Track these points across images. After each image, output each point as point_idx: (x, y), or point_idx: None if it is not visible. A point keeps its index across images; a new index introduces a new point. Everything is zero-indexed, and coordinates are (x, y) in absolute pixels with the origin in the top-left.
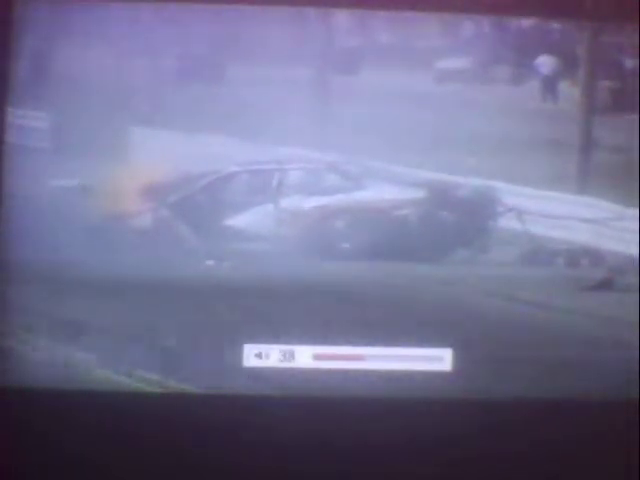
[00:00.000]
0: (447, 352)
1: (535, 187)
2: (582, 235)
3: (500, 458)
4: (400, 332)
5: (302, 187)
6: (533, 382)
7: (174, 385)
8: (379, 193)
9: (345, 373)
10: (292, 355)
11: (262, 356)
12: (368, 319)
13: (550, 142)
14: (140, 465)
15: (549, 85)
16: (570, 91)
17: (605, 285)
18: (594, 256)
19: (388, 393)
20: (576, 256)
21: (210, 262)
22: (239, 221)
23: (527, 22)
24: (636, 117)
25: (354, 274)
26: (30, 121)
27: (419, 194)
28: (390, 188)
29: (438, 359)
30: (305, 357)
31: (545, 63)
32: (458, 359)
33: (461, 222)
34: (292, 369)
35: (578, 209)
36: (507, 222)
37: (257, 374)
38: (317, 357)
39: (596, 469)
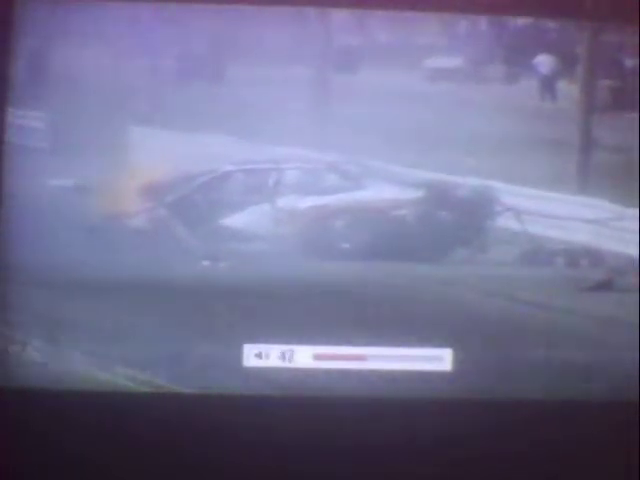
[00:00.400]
0: (447, 352)
1: (534, 187)
2: (582, 235)
3: (500, 458)
4: (400, 332)
5: (299, 187)
6: (533, 382)
7: (173, 385)
8: (378, 193)
9: (345, 373)
10: (292, 355)
11: (262, 356)
12: (368, 319)
13: (549, 142)
14: (140, 465)
15: (548, 84)
16: (569, 90)
17: (605, 285)
18: (594, 256)
19: (388, 393)
20: (576, 256)
21: (208, 262)
22: (236, 221)
23: (526, 21)
24: (636, 116)
25: (354, 274)
26: (29, 121)
27: (418, 194)
28: (389, 188)
29: (438, 359)
30: (305, 357)
31: (544, 62)
32: (458, 359)
33: (460, 222)
34: (292, 369)
35: (578, 209)
36: (506, 222)
37: (257, 374)
38: (317, 357)
39: (596, 469)
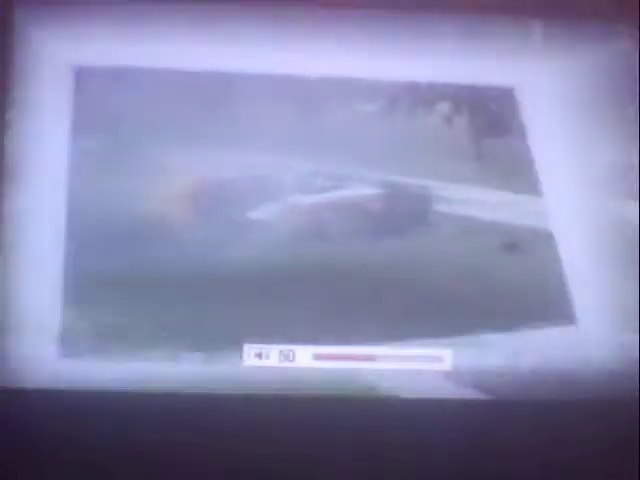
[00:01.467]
0: (447, 352)
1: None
2: None
3: (500, 458)
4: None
5: (291, 190)
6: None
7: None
8: (356, 191)
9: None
10: (292, 355)
11: (262, 356)
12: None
13: None
14: (139, 465)
15: None
16: None
17: None
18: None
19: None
20: None
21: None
22: (234, 222)
23: None
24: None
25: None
26: None
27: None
28: (364, 187)
29: (438, 359)
30: (306, 357)
31: None
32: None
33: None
34: (292, 369)
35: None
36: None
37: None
38: (318, 357)
39: (596, 469)
